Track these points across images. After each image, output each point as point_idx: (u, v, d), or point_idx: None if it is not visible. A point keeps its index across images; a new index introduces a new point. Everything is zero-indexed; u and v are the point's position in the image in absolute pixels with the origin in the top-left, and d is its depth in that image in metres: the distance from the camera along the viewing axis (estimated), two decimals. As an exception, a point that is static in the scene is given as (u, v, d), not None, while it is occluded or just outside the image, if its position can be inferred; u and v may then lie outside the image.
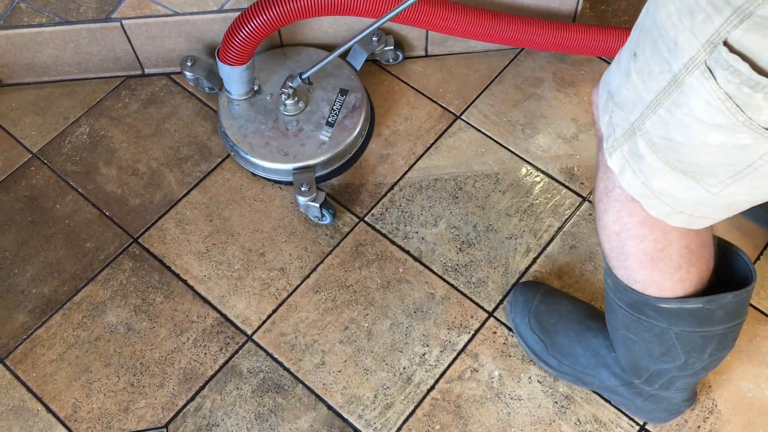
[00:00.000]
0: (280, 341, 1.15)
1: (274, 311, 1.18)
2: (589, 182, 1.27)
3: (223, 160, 1.32)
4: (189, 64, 1.31)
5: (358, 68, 1.34)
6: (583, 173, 1.28)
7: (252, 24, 1.16)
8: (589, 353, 1.05)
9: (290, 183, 1.27)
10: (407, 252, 1.22)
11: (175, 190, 1.29)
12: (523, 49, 1.42)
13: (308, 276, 1.20)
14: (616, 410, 1.09)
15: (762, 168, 0.66)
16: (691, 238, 0.81)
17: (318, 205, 1.19)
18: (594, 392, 1.10)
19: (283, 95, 1.25)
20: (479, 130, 1.34)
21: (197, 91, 1.39)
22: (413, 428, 1.08)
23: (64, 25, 1.30)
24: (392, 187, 1.28)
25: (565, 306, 1.11)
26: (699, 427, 1.07)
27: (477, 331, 1.15)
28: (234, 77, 1.24)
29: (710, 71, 0.61)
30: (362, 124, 1.28)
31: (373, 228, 1.25)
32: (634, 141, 0.73)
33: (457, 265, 1.21)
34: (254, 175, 1.29)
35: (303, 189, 1.19)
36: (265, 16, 1.16)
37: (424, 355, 1.13)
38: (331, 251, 1.22)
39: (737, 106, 0.61)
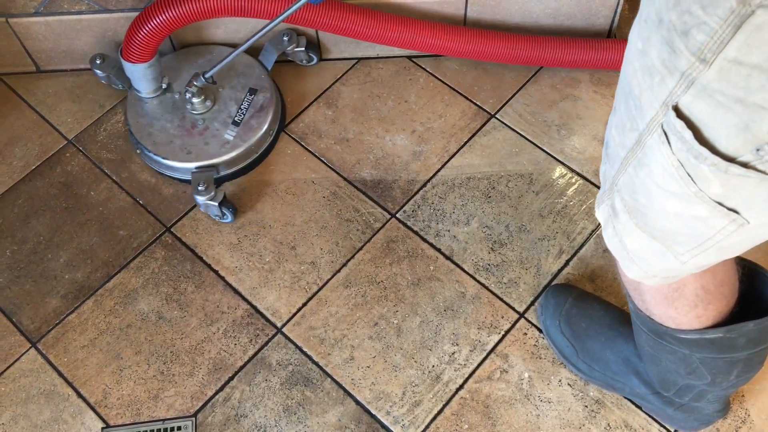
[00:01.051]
0: (309, 335, 1.15)
1: (304, 305, 1.18)
2: (624, 185, 1.26)
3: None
4: (98, 62, 1.31)
5: (269, 68, 1.34)
6: (618, 176, 1.27)
7: (153, 22, 1.16)
8: (620, 360, 1.04)
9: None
10: (438, 250, 1.21)
11: (208, 181, 1.29)
12: (559, 49, 1.41)
13: (339, 271, 1.20)
14: (647, 416, 1.08)
15: (724, 241, 0.63)
16: (707, 278, 0.79)
17: (217, 204, 1.19)
18: (625, 398, 1.09)
19: (188, 93, 1.24)
20: (514, 130, 1.33)
21: (232, 83, 1.39)
22: (441, 427, 1.08)
23: (103, 13, 1.30)
24: (425, 185, 1.28)
25: (597, 311, 1.09)
26: (717, 430, 1.06)
27: (507, 331, 1.14)
28: (138, 75, 1.24)
29: (665, 135, 0.59)
30: (269, 124, 1.28)
31: (405, 225, 1.24)
32: (613, 196, 0.71)
33: (489, 264, 1.20)
34: (159, 173, 1.28)
35: (200, 188, 1.19)
36: (166, 15, 1.16)
37: (453, 353, 1.13)
38: (362, 246, 1.22)
39: (689, 175, 0.58)
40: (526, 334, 1.14)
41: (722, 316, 0.84)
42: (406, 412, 1.09)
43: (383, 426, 1.08)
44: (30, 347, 1.15)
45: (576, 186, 1.26)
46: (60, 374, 1.13)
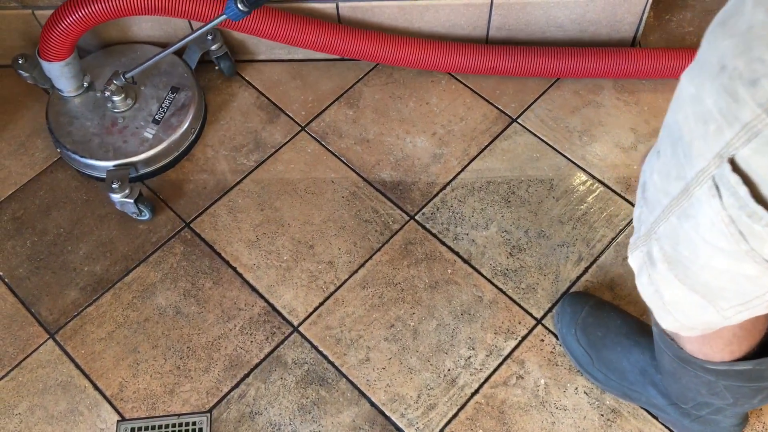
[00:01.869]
0: (325, 334, 1.15)
1: (320, 304, 1.18)
2: (645, 194, 1.25)
3: (277, 151, 1.32)
4: (20, 61, 1.30)
5: (193, 66, 1.33)
6: (639, 184, 1.26)
7: (68, 20, 1.16)
8: (637, 370, 1.04)
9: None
10: (456, 253, 1.21)
11: (228, 178, 1.29)
12: (583, 55, 1.40)
13: (356, 271, 1.20)
14: (663, 427, 1.07)
15: None
16: (746, 320, 0.75)
17: (133, 201, 1.19)
18: (641, 407, 1.08)
19: (107, 92, 1.24)
20: (535, 135, 1.32)
21: (255, 81, 1.40)
22: (456, 431, 1.07)
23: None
24: (444, 187, 1.28)
25: (614, 320, 1.09)
26: (748, 450, 1.05)
27: (524, 337, 1.14)
28: (56, 73, 1.24)
29: (717, 188, 0.54)
30: (190, 123, 1.28)
31: (423, 227, 1.24)
32: (650, 244, 0.67)
33: (507, 269, 1.20)
34: (79, 172, 1.28)
35: (114, 186, 1.19)
36: (80, 13, 1.16)
37: (469, 358, 1.13)
38: (380, 248, 1.22)
39: (740, 232, 0.54)
40: (543, 340, 1.14)
41: (752, 348, 0.83)
42: (421, 415, 1.09)
43: (397, 428, 1.08)
44: (48, 338, 1.16)
45: (597, 193, 1.26)
46: (77, 366, 1.14)
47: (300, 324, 1.16)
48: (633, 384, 1.04)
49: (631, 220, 1.23)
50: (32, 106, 1.38)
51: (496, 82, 1.38)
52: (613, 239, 1.22)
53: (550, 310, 1.16)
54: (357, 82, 1.39)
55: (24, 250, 1.24)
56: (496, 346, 1.13)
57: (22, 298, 1.19)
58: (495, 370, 1.12)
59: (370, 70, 1.41)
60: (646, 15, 1.33)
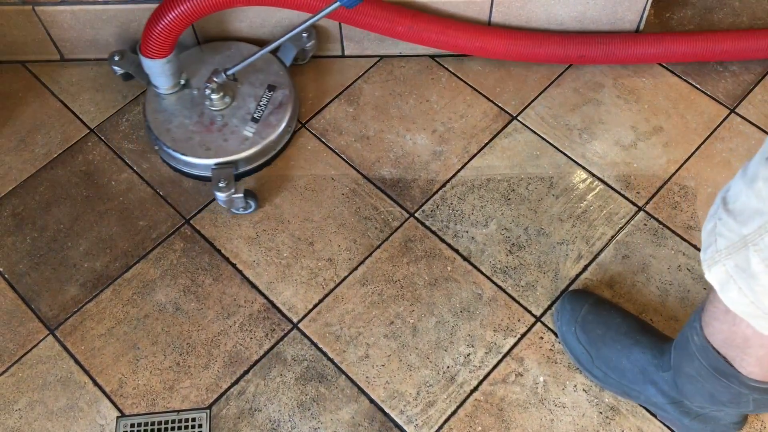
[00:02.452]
0: (325, 331, 1.15)
1: (320, 301, 1.18)
2: (645, 192, 1.25)
3: (277, 147, 1.32)
4: (116, 58, 1.31)
5: (288, 64, 1.33)
6: (639, 182, 1.26)
7: (170, 16, 1.16)
8: (636, 368, 1.04)
9: (209, 179, 1.26)
10: (456, 251, 1.21)
11: (228, 174, 1.29)
12: (583, 52, 1.40)
13: (356, 268, 1.20)
14: (661, 425, 1.07)
15: None
16: None
17: (242, 196, 1.20)
18: (640, 405, 1.08)
19: (207, 90, 1.24)
20: (535, 132, 1.32)
21: (254, 77, 1.40)
22: (454, 428, 1.08)
23: (129, 4, 1.31)
24: (444, 185, 1.28)
25: (614, 318, 1.09)
26: (746, 448, 1.06)
27: (523, 335, 1.14)
28: (156, 70, 1.24)
29: None
30: (288, 121, 1.28)
31: (423, 224, 1.24)
32: (744, 256, 0.66)
33: (506, 267, 1.20)
34: (174, 170, 1.28)
35: (221, 185, 1.19)
36: (182, 8, 1.15)
37: (468, 355, 1.13)
38: (380, 245, 1.22)
39: None
40: (542, 338, 1.14)
41: None
42: (420, 412, 1.09)
43: (396, 425, 1.08)
44: (48, 334, 1.16)
45: (596, 191, 1.26)
46: (77, 362, 1.14)
47: (299, 321, 1.16)
48: (632, 382, 1.05)
49: (632, 217, 1.23)
50: (32, 102, 1.38)
51: (496, 79, 1.38)
52: (612, 237, 1.22)
53: (549, 307, 1.16)
54: (357, 79, 1.39)
55: (24, 246, 1.24)
56: (495, 344, 1.13)
57: (22, 294, 1.20)
58: (494, 367, 1.12)
59: (371, 67, 1.40)
60: (646, 13, 1.33)
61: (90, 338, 1.16)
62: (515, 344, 1.13)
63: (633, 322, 1.09)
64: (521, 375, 1.11)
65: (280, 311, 1.17)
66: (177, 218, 1.26)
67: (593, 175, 1.27)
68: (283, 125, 1.27)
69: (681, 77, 1.37)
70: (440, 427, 1.08)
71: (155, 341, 1.15)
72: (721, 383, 0.88)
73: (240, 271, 1.21)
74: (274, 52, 1.34)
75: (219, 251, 1.22)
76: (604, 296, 1.15)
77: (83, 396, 1.11)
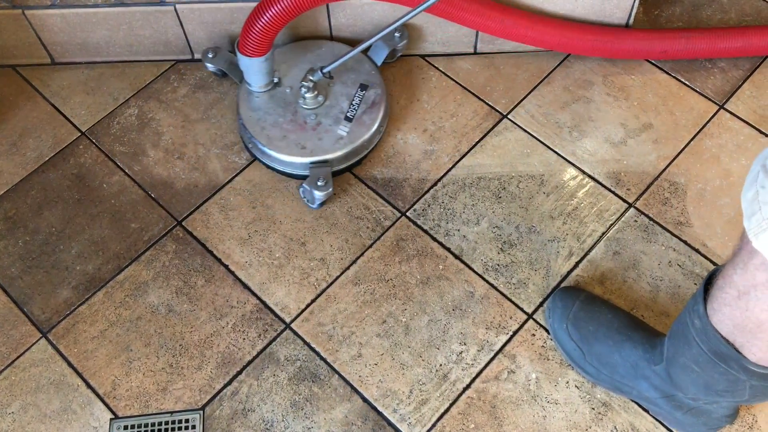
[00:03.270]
0: (317, 331, 1.16)
1: (313, 301, 1.18)
2: (635, 188, 1.26)
3: (268, 148, 1.32)
4: (210, 55, 1.32)
5: (379, 63, 1.33)
6: (630, 179, 1.27)
7: (268, 14, 1.15)
8: (628, 364, 1.04)
9: (303, 177, 1.26)
10: (448, 249, 1.22)
11: (220, 176, 1.30)
12: (573, 50, 1.41)
13: (348, 268, 1.21)
14: (653, 420, 1.07)
15: None
16: None
17: (331, 191, 1.20)
18: (632, 401, 1.09)
19: (303, 88, 1.25)
20: (525, 131, 1.33)
21: (245, 79, 1.40)
22: (448, 426, 1.08)
23: (119, 7, 1.31)
24: (435, 184, 1.28)
25: (605, 314, 1.09)
26: (738, 442, 1.06)
27: (515, 332, 1.15)
28: (253, 69, 1.24)
29: None
30: (380, 121, 1.28)
31: (415, 223, 1.24)
32: None
33: (498, 265, 1.20)
34: (267, 167, 1.28)
35: (320, 183, 1.19)
36: (281, 6, 1.15)
37: (461, 353, 1.13)
38: (372, 244, 1.23)
39: None
40: (534, 335, 1.14)
41: None
42: (413, 411, 1.09)
43: (390, 423, 1.08)
44: (41, 337, 1.16)
45: (587, 188, 1.26)
46: (70, 365, 1.14)
47: (292, 321, 1.17)
48: (624, 377, 1.05)
49: (623, 214, 1.23)
50: (23, 106, 1.38)
51: (486, 78, 1.38)
52: (603, 234, 1.22)
53: (541, 305, 1.17)
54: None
55: (16, 249, 1.24)
56: (487, 341, 1.14)
57: (15, 298, 1.20)
58: (486, 365, 1.12)
59: (361, 68, 1.41)
60: (635, 10, 1.34)
61: (83, 341, 1.16)
62: (507, 341, 1.14)
63: (624, 318, 1.09)
64: (513, 372, 1.11)
65: (272, 311, 1.17)
66: (169, 220, 1.26)
67: (583, 172, 1.28)
68: (377, 125, 1.27)
69: (670, 74, 1.38)
70: (433, 425, 1.08)
71: (148, 343, 1.15)
72: (718, 369, 0.88)
73: (232, 272, 1.21)
74: (364, 51, 1.34)
75: (211, 252, 1.23)
76: (594, 293, 1.16)
77: (76, 398, 1.11)
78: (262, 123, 1.27)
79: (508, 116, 1.34)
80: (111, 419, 1.09)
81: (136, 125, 1.36)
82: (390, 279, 1.19)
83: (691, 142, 1.31)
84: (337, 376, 1.12)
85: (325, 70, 1.20)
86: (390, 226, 1.24)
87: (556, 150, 1.30)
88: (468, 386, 1.11)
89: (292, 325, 1.16)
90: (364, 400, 1.10)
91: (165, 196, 1.28)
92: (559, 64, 1.39)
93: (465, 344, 1.14)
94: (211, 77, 1.40)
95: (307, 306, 1.18)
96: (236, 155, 1.32)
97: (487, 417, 1.08)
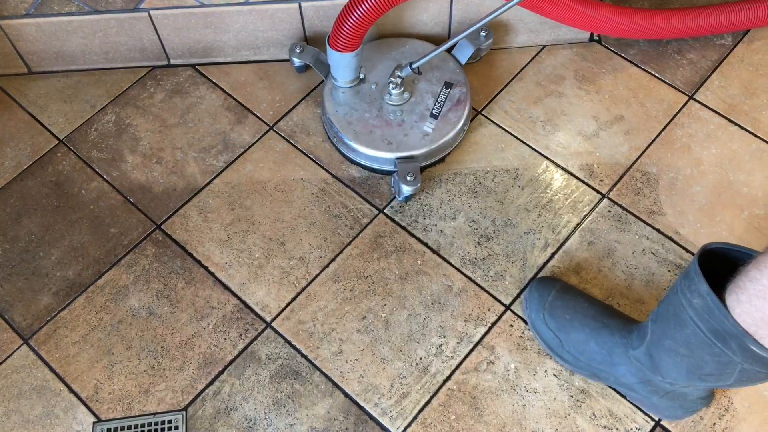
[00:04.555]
0: (298, 329, 1.17)
1: (293, 299, 1.19)
2: (608, 179, 1.28)
3: (246, 151, 1.33)
4: (298, 50, 1.35)
5: (463, 62, 1.35)
6: (602, 170, 1.29)
7: (360, 9, 1.15)
8: (605, 351, 1.06)
9: (386, 172, 1.28)
10: (426, 244, 1.23)
11: (198, 179, 1.31)
12: (545, 46, 1.43)
13: (327, 266, 1.22)
14: (631, 405, 1.09)
15: None
16: None
17: (419, 186, 1.22)
18: (610, 387, 1.10)
19: (390, 84, 1.26)
20: (500, 126, 1.34)
21: (222, 83, 1.41)
22: (429, 417, 1.09)
23: (93, 15, 1.32)
24: (412, 181, 1.29)
25: (581, 303, 1.11)
26: (714, 424, 1.08)
27: (494, 324, 1.16)
28: (343, 64, 1.26)
29: None
30: (465, 119, 1.29)
31: (393, 220, 1.26)
32: None
33: (475, 258, 1.22)
34: (351, 161, 1.30)
35: (409, 178, 1.21)
36: (372, 1, 1.15)
37: (440, 346, 1.14)
38: (351, 242, 1.24)
39: None
40: (512, 326, 1.16)
41: None
42: (394, 404, 1.10)
43: (371, 417, 1.09)
44: (22, 344, 1.17)
45: (561, 181, 1.28)
46: (52, 370, 1.14)
47: (273, 320, 1.18)
48: (601, 364, 1.07)
49: (596, 204, 1.25)
50: (1, 116, 1.39)
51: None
52: (578, 225, 1.24)
53: (518, 296, 1.18)
54: (324, 80, 1.41)
55: (-4, 257, 1.24)
56: (466, 333, 1.15)
57: (-5, 306, 1.20)
58: (466, 356, 1.13)
59: (336, 69, 1.42)
60: (603, 5, 1.36)
61: (64, 346, 1.16)
62: (486, 333, 1.15)
63: (599, 306, 1.11)
64: (492, 363, 1.13)
65: (253, 311, 1.18)
66: (148, 224, 1.27)
67: (557, 165, 1.30)
68: (462, 122, 1.28)
69: (640, 67, 1.40)
70: (414, 418, 1.09)
71: (129, 346, 1.16)
72: (712, 351, 0.88)
73: (212, 274, 1.22)
74: (448, 50, 1.35)
75: (191, 255, 1.23)
76: (571, 282, 1.18)
77: (59, 403, 1.12)
78: (348, 118, 1.28)
79: (483, 112, 1.36)
80: (94, 422, 1.10)
81: (113, 131, 1.36)
82: (369, 275, 1.21)
83: (662, 133, 1.33)
84: (318, 372, 1.13)
85: (414, 66, 1.22)
86: (368, 224, 1.26)
87: (530, 144, 1.32)
88: (448, 378, 1.12)
89: (273, 324, 1.17)
90: (346, 395, 1.11)
91: (143, 201, 1.29)
92: (531, 60, 1.41)
93: (444, 337, 1.15)
94: (188, 82, 1.42)
95: (288, 304, 1.19)
96: (214, 158, 1.33)
97: (468, 407, 1.10)
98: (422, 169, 1.29)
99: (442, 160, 1.30)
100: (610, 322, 1.07)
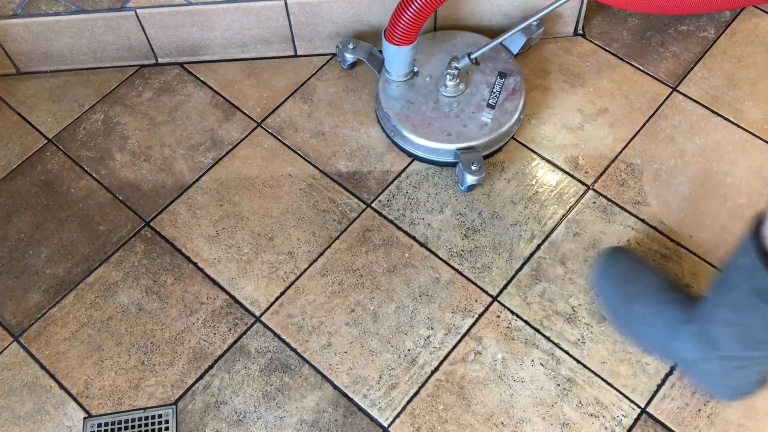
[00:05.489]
0: (287, 323, 1.17)
1: (282, 294, 1.20)
2: (593, 171, 1.29)
3: (234, 148, 1.34)
4: (351, 46, 1.36)
5: (515, 52, 1.36)
6: (587, 162, 1.30)
7: (417, 3, 1.16)
8: (665, 324, 1.07)
9: (444, 163, 1.29)
10: (413, 237, 1.24)
11: (186, 176, 1.31)
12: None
13: (316, 260, 1.23)
14: (617, 393, 1.10)
15: None
16: None
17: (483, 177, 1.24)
18: (597, 375, 1.11)
19: (448, 76, 1.27)
20: (485, 120, 1.36)
21: (209, 80, 1.42)
22: (417, 408, 1.10)
23: (81, 14, 1.33)
24: (399, 175, 1.30)
25: (650, 276, 1.12)
26: (699, 410, 1.09)
27: (481, 315, 1.17)
28: (399, 57, 1.27)
29: None
30: (521, 108, 1.30)
31: (380, 214, 1.27)
32: None
33: (463, 250, 1.23)
34: (408, 154, 1.31)
35: (473, 168, 1.22)
36: None
37: (428, 337, 1.15)
38: (339, 236, 1.25)
39: None
40: (499, 316, 1.17)
41: None
42: (383, 395, 1.11)
43: (361, 409, 1.10)
44: (12, 341, 1.17)
45: (546, 173, 1.29)
46: (42, 367, 1.15)
47: (262, 314, 1.18)
48: (660, 338, 1.08)
49: (582, 196, 1.26)
50: (-11, 116, 1.40)
51: (446, 71, 1.41)
52: (563, 216, 1.25)
53: (505, 287, 1.19)
54: (310, 77, 1.42)
55: (-15, 256, 1.25)
56: (454, 325, 1.16)
57: (-15, 304, 1.21)
58: (454, 347, 1.14)
59: (324, 65, 1.43)
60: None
61: (54, 343, 1.17)
62: (473, 324, 1.16)
63: (667, 281, 1.12)
64: (480, 353, 1.14)
65: (242, 306, 1.19)
66: (137, 221, 1.27)
67: (543, 158, 1.31)
68: (519, 111, 1.29)
69: (624, 60, 1.42)
70: (403, 408, 1.10)
71: (119, 342, 1.16)
72: (758, 313, 0.89)
73: (201, 269, 1.22)
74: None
75: (180, 251, 1.24)
76: (642, 256, 1.18)
77: (50, 399, 1.12)
78: (405, 112, 1.29)
79: (468, 107, 1.37)
80: (84, 418, 1.10)
81: (102, 130, 1.37)
82: (357, 269, 1.22)
83: (646, 124, 1.34)
84: (307, 365, 1.14)
85: (472, 56, 1.23)
86: (356, 218, 1.26)
87: (516, 137, 1.33)
88: (436, 369, 1.13)
89: (262, 318, 1.18)
90: (335, 387, 1.12)
91: (132, 198, 1.30)
92: (516, 55, 1.42)
93: (432, 329, 1.16)
94: (176, 80, 1.42)
95: (277, 299, 1.20)
96: (202, 155, 1.34)
97: (456, 398, 1.10)
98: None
99: (499, 150, 1.31)
100: (675, 297, 1.08)
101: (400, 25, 1.19)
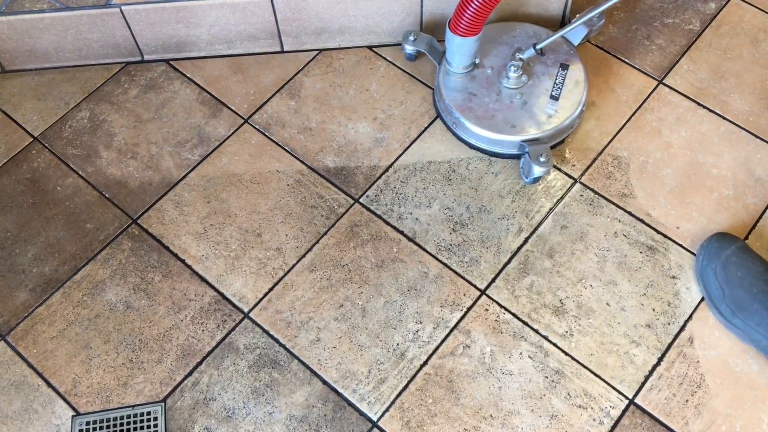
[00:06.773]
0: (276, 318, 1.17)
1: (270, 290, 1.20)
2: (580, 164, 1.29)
3: (221, 144, 1.34)
4: (412, 39, 1.36)
5: (575, 43, 1.35)
6: (574, 156, 1.30)
7: None
8: (765, 313, 1.08)
9: (507, 155, 1.29)
10: (401, 232, 1.24)
11: (173, 173, 1.31)
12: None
13: (304, 256, 1.23)
14: (605, 384, 1.11)
15: None
16: None
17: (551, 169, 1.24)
18: (585, 367, 1.12)
19: (511, 67, 1.27)
20: (473, 114, 1.36)
21: (196, 77, 1.42)
22: (406, 402, 1.10)
23: (65, 11, 1.32)
24: (387, 170, 1.30)
25: (756, 265, 1.13)
26: (687, 401, 1.09)
27: (469, 308, 1.17)
28: (464, 49, 1.26)
29: None
30: (584, 99, 1.29)
31: (368, 209, 1.27)
32: None
33: (451, 244, 1.23)
34: (470, 146, 1.31)
35: (542, 160, 1.22)
36: None
37: (417, 331, 1.15)
38: (327, 232, 1.25)
39: None
40: (487, 310, 1.17)
41: None
42: (372, 389, 1.11)
43: (350, 404, 1.10)
44: (-1, 340, 1.17)
45: (534, 166, 1.30)
46: (30, 365, 1.14)
47: (250, 310, 1.18)
48: (758, 326, 1.09)
49: (569, 189, 1.27)
50: (-26, 115, 1.39)
51: (433, 66, 1.41)
52: (551, 209, 1.25)
53: (493, 280, 1.19)
54: (297, 73, 1.42)
55: (-29, 256, 1.24)
56: (442, 319, 1.16)
57: (-28, 303, 1.20)
58: (442, 341, 1.15)
59: (310, 61, 1.43)
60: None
61: (42, 341, 1.16)
62: (462, 318, 1.16)
63: None
64: (468, 347, 1.14)
65: (230, 302, 1.19)
66: (124, 219, 1.27)
67: (530, 151, 1.31)
68: (582, 103, 1.28)
69: (610, 53, 1.42)
70: (392, 403, 1.10)
71: (107, 340, 1.16)
72: None
73: (189, 266, 1.22)
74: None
75: (167, 248, 1.24)
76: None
77: (37, 398, 1.12)
78: (468, 103, 1.28)
79: (456, 101, 1.37)
80: (73, 416, 1.10)
81: (88, 128, 1.37)
82: (346, 264, 1.22)
83: (633, 117, 1.35)
84: (296, 361, 1.14)
85: (537, 47, 1.23)
86: (344, 213, 1.26)
87: (503, 131, 1.33)
88: (425, 363, 1.13)
89: (251, 314, 1.18)
90: (324, 382, 1.12)
91: (119, 196, 1.29)
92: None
93: (421, 323, 1.16)
94: (162, 77, 1.42)
95: (265, 295, 1.19)
96: (189, 152, 1.33)
97: (445, 391, 1.11)
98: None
99: (562, 141, 1.31)
100: None
101: (467, 15, 1.19)
